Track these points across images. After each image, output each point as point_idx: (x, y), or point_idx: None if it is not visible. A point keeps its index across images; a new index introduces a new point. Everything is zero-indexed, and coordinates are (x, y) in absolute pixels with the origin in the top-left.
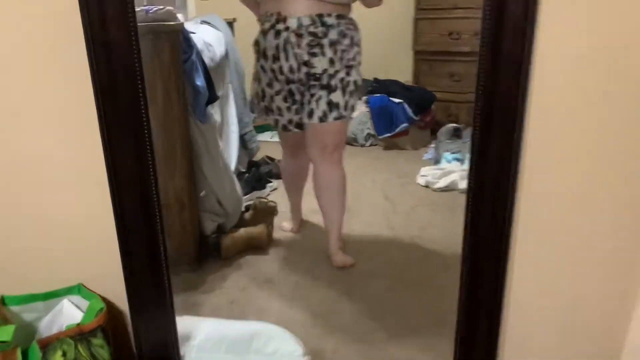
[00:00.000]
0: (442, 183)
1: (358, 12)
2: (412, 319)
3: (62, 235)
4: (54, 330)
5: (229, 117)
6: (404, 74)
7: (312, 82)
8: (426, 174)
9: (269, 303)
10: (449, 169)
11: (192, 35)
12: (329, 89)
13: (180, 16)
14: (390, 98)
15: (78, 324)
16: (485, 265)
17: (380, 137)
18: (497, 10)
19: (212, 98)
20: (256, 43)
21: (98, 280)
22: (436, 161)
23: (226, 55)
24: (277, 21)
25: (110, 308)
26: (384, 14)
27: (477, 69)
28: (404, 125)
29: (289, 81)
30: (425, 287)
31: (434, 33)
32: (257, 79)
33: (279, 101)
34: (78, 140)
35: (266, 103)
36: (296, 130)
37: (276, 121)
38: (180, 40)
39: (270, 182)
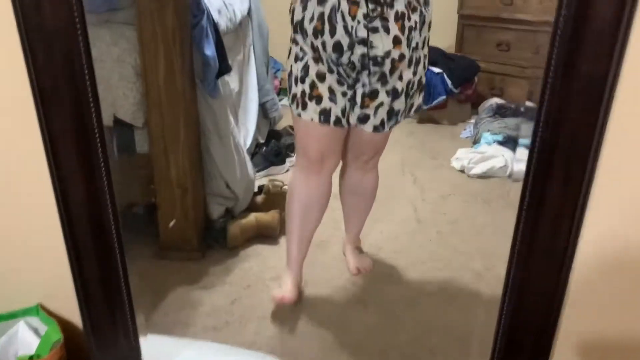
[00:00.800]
0: (479, 169)
1: None
2: (431, 336)
3: (15, 253)
4: (10, 354)
5: (248, 84)
6: (446, 39)
7: (369, 69)
8: (462, 157)
9: (273, 307)
10: (489, 154)
11: None
12: (394, 94)
13: None
14: (430, 67)
15: (31, 357)
16: (540, 277)
17: None
18: (578, 12)
19: (224, 70)
20: (292, 11)
21: (58, 302)
22: (475, 140)
23: (248, 14)
24: None
25: (70, 333)
26: None
27: (541, 90)
28: (442, 97)
29: (333, 62)
30: (449, 297)
31: None
32: (295, 59)
33: (332, 81)
34: (19, 151)
35: (306, 87)
36: (346, 125)
37: (326, 112)
38: (188, 2)
39: (291, 156)
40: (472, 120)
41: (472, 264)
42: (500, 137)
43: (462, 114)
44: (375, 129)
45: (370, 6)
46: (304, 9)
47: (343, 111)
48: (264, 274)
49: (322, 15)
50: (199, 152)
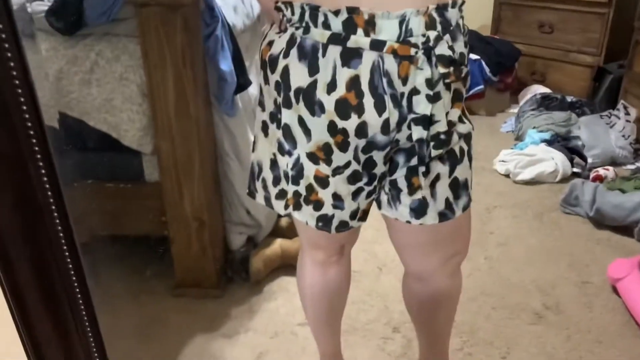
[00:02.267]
0: (527, 174)
1: None
2: None
3: None
4: None
5: None
6: (480, 20)
7: (430, 152)
8: (507, 159)
9: None
10: (538, 157)
11: None
12: (452, 158)
13: None
14: None
15: None
16: None
17: None
18: None
19: (243, 85)
20: (273, 65)
21: None
22: (517, 137)
23: None
24: (350, 27)
25: None
26: None
27: None
28: (480, 87)
29: (371, 147)
30: (506, 345)
31: None
32: (280, 149)
33: (338, 185)
34: None
35: (301, 189)
36: (359, 223)
37: (326, 219)
38: (200, 12)
39: None
40: (512, 110)
41: (529, 301)
42: (547, 136)
43: (500, 103)
44: (442, 216)
45: (441, 70)
46: (313, 68)
47: (354, 213)
48: (292, 317)
49: (355, 81)
50: (217, 179)
